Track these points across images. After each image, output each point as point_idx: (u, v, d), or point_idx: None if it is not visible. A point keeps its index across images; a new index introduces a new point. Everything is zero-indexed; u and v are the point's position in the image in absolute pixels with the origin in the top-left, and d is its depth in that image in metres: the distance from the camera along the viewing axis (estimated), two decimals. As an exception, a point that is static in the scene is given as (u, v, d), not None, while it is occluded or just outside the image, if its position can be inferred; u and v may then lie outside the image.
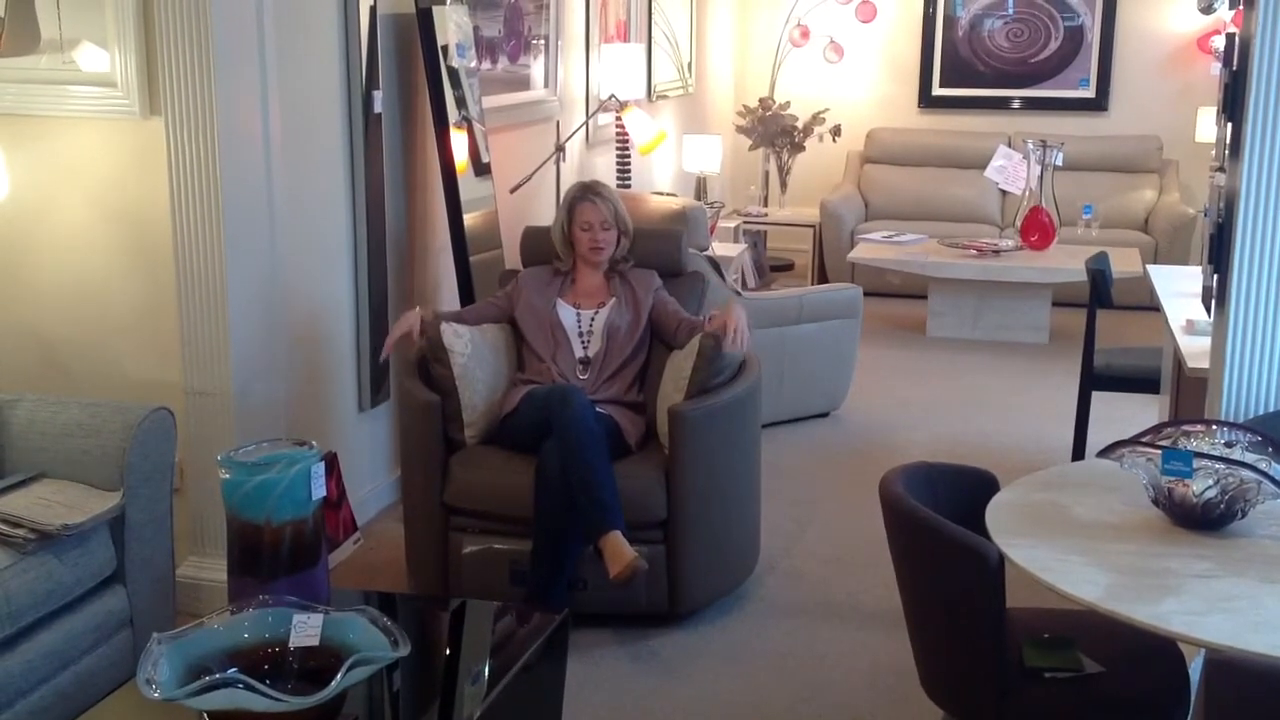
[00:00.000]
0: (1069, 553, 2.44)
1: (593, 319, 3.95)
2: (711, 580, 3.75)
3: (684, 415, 3.60)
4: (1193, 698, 2.54)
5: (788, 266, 8.57)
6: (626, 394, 3.91)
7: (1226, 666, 1.98)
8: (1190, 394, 3.92)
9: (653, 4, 7.37)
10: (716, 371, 3.73)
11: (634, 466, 3.66)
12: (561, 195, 4.95)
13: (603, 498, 3.46)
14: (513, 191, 5.32)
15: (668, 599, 3.66)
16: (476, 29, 5.06)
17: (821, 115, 8.32)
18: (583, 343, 3.92)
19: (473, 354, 3.80)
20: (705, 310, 4.12)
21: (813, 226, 8.35)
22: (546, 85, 5.96)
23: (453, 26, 4.69)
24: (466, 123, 4.77)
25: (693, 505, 3.63)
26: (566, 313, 3.96)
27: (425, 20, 4.58)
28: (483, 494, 3.65)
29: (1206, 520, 2.52)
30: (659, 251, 4.18)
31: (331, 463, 4.10)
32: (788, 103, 8.43)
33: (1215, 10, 4.81)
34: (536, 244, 4.18)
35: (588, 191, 3.98)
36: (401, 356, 4.08)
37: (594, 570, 3.53)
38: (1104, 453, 2.61)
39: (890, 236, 7.61)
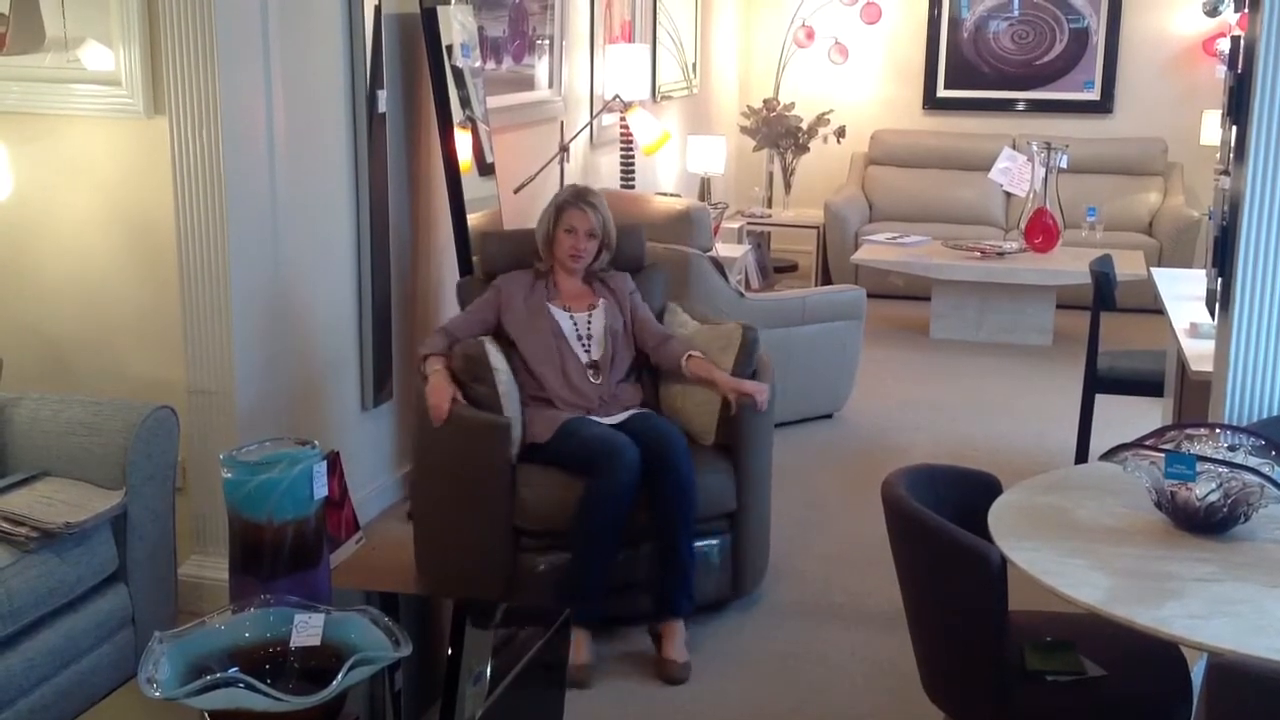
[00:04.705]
0: (1071, 556, 2.44)
1: (589, 322, 3.84)
2: (760, 564, 3.95)
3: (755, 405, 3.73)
4: (1195, 701, 2.53)
5: (791, 268, 8.57)
6: (642, 398, 3.88)
7: (1228, 670, 1.98)
8: (1194, 397, 3.91)
9: (657, 4, 7.36)
10: (752, 363, 3.85)
11: (705, 463, 3.72)
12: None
13: (690, 577, 3.56)
14: (516, 191, 5.32)
15: (731, 584, 3.81)
16: (481, 29, 5.06)
17: (826, 116, 8.31)
18: (584, 347, 3.81)
19: (510, 371, 3.74)
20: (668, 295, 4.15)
21: (816, 228, 8.34)
22: (551, 85, 5.96)
23: (457, 26, 4.69)
24: (470, 123, 4.77)
25: (757, 493, 3.84)
26: (561, 317, 3.82)
27: (430, 20, 4.57)
28: (551, 512, 3.56)
29: (1209, 524, 2.52)
30: (620, 249, 4.00)
31: (334, 462, 4.10)
32: (792, 104, 8.43)
33: (1220, 13, 4.80)
34: (499, 249, 4.02)
35: (579, 198, 3.83)
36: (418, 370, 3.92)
37: (627, 570, 3.58)
38: (1107, 456, 2.61)
39: (894, 238, 7.61)
